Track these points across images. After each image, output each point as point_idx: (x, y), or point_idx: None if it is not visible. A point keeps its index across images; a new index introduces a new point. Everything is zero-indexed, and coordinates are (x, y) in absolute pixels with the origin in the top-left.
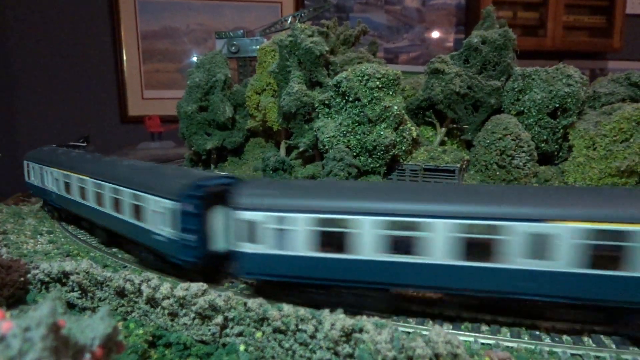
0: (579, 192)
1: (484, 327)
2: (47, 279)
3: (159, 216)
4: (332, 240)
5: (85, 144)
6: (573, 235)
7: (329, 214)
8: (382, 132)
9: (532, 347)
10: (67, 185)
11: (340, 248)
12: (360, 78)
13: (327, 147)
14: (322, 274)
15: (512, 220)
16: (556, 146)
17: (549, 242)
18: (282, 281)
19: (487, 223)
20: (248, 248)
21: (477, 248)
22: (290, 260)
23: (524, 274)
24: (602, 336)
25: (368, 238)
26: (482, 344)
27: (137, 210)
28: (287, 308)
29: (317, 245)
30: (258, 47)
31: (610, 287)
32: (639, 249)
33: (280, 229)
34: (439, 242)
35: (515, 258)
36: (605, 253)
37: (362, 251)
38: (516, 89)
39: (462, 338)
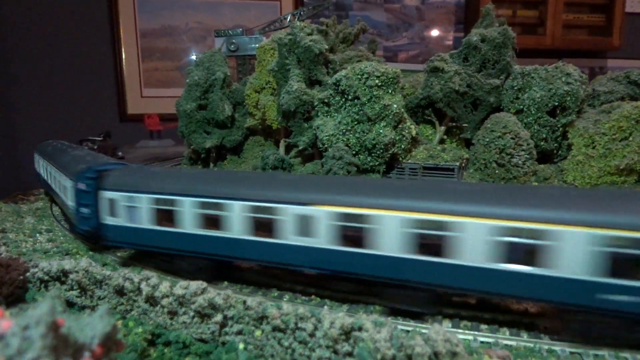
0: (339, 181)
1: (483, 326)
2: (46, 278)
3: (70, 193)
4: (165, 216)
5: (101, 139)
6: (328, 217)
7: (162, 195)
8: (381, 131)
9: (531, 345)
10: (46, 171)
11: (171, 223)
12: (359, 76)
13: (326, 145)
14: (160, 244)
15: (285, 203)
16: (555, 144)
17: (312, 222)
18: (136, 249)
19: (268, 205)
20: (110, 221)
21: (263, 226)
22: (138, 231)
23: (295, 248)
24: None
25: (188, 215)
26: (481, 342)
27: (65, 189)
28: (286, 306)
29: (156, 220)
30: (257, 45)
31: (358, 262)
32: (374, 230)
33: (131, 206)
34: (236, 220)
35: (288, 235)
36: (352, 233)
37: (185, 226)
38: (515, 88)
39: (461, 336)
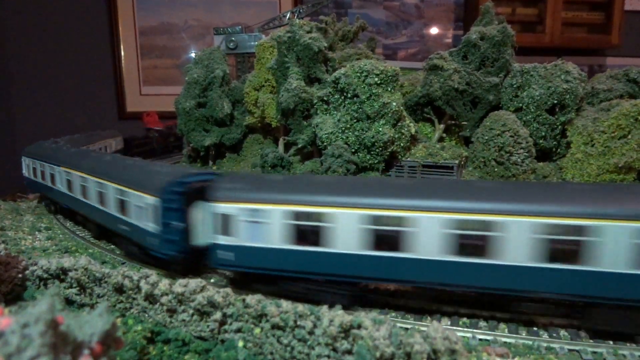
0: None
1: (482, 323)
2: (45, 276)
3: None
4: (40, 174)
5: (161, 128)
6: (113, 191)
7: (40, 162)
8: (380, 129)
9: (530, 342)
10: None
11: (45, 179)
12: (358, 74)
13: (325, 143)
14: (48, 194)
15: (87, 175)
16: (554, 142)
17: (105, 194)
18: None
19: (80, 174)
20: (26, 174)
21: (81, 189)
22: (36, 183)
23: (97, 209)
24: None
25: (58, 178)
26: (480, 339)
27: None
28: (285, 304)
29: (42, 177)
30: (256, 43)
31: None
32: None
33: (34, 168)
34: (59, 180)
35: (92, 200)
36: (123, 205)
37: (57, 184)
38: (515, 86)
39: (460, 334)
